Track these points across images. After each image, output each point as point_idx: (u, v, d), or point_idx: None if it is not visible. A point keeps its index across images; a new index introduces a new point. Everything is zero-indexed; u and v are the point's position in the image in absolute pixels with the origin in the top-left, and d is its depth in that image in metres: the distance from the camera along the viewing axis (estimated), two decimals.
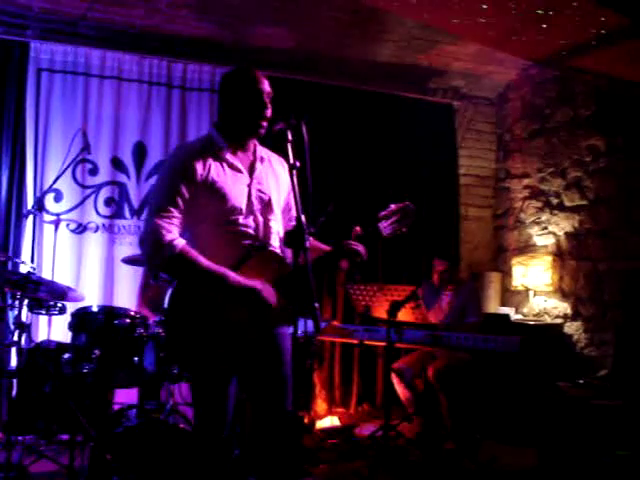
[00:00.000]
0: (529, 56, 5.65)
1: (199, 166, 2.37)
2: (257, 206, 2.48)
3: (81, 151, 4.73)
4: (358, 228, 2.60)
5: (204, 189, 2.37)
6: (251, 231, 2.46)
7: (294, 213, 2.69)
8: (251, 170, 2.50)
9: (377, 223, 2.63)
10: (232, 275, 2.33)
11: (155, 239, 2.29)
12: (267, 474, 2.51)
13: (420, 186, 5.94)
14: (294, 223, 2.67)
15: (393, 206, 2.66)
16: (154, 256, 2.31)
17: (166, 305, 2.45)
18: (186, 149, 2.51)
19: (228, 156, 2.46)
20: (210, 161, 2.40)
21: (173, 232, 2.32)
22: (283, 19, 5.02)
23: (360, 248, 2.55)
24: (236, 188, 2.44)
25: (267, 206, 2.51)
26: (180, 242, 2.31)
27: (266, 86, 2.48)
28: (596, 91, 5.33)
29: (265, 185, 2.52)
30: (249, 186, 2.48)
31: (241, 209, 2.43)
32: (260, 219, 2.49)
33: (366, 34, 5.26)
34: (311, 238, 2.72)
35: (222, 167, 2.43)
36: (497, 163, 6.49)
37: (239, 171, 2.47)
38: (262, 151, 2.58)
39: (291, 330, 2.33)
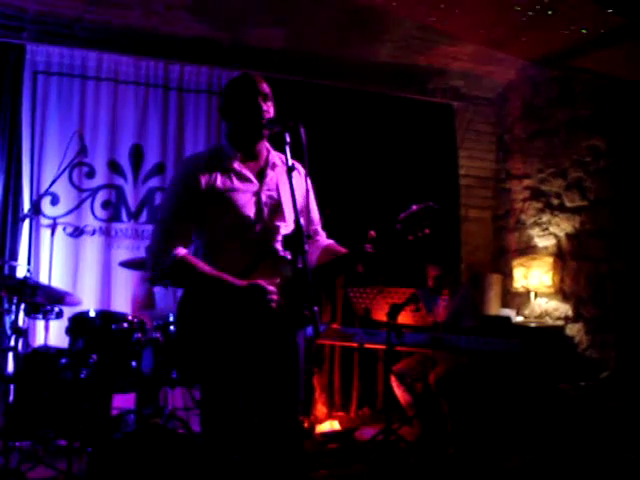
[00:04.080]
0: (529, 56, 5.64)
1: (204, 179, 2.41)
2: (267, 213, 2.48)
3: (78, 154, 4.71)
4: (373, 232, 2.54)
5: (210, 200, 2.41)
6: (260, 238, 2.46)
7: (314, 215, 2.73)
8: (261, 177, 2.51)
9: (398, 225, 2.54)
10: (232, 279, 2.35)
11: (157, 249, 2.39)
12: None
13: (419, 187, 5.91)
14: (315, 227, 2.72)
15: (415, 207, 2.57)
16: (156, 265, 2.40)
17: (174, 313, 2.49)
18: (192, 162, 2.52)
19: (236, 165, 2.47)
20: (216, 172, 2.44)
21: (175, 243, 2.39)
22: (281, 20, 5.00)
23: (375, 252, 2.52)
24: (244, 196, 2.45)
25: (277, 212, 2.51)
26: (181, 251, 2.39)
27: (262, 88, 2.48)
28: (596, 91, 5.31)
29: (276, 191, 2.52)
30: (258, 193, 2.48)
31: (249, 217, 2.44)
32: (270, 225, 2.49)
33: (365, 35, 5.25)
34: (332, 242, 2.73)
35: (229, 177, 2.45)
36: (497, 164, 6.46)
37: (248, 179, 2.48)
38: (276, 157, 2.57)
39: (306, 333, 2.34)
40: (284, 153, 2.32)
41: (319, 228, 2.77)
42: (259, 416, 2.50)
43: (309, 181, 2.64)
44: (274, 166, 2.55)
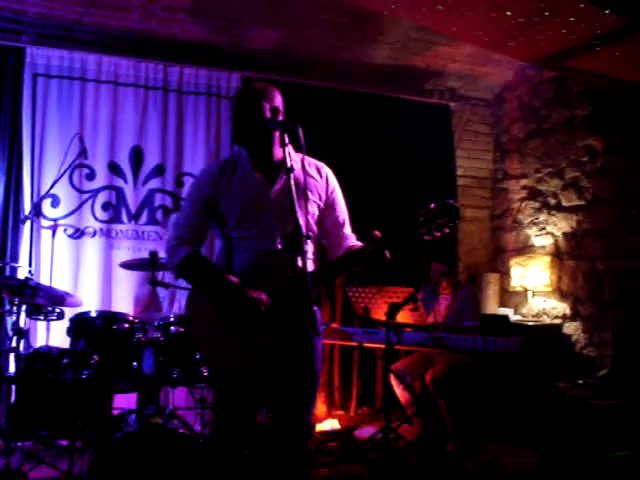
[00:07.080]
0: (525, 57, 5.65)
1: (215, 185, 2.52)
2: (279, 213, 2.49)
3: (78, 156, 4.74)
4: (377, 232, 2.44)
5: (222, 204, 2.51)
6: (271, 240, 2.48)
7: (340, 217, 2.67)
8: (274, 179, 2.53)
9: (414, 225, 2.39)
10: (235, 283, 2.41)
11: (171, 246, 2.55)
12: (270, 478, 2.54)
13: (417, 187, 5.94)
14: (341, 231, 2.66)
15: (433, 205, 2.37)
16: (170, 262, 2.58)
17: (184, 309, 2.70)
18: (208, 168, 2.65)
19: (248, 169, 2.53)
20: (229, 177, 2.53)
21: (187, 242, 2.53)
22: (279, 22, 5.02)
23: (385, 253, 2.46)
24: (255, 199, 2.50)
25: (289, 212, 2.45)
26: (191, 249, 2.53)
27: (268, 96, 2.52)
28: (592, 91, 5.33)
29: (288, 193, 2.45)
30: (270, 195, 2.50)
31: (260, 217, 2.49)
32: (281, 226, 2.49)
33: (362, 36, 5.27)
34: (354, 236, 2.68)
35: (242, 181, 2.52)
36: (494, 164, 6.50)
37: (260, 182, 2.51)
38: (294, 160, 2.50)
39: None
40: (297, 152, 2.41)
41: (346, 231, 2.68)
42: (273, 413, 2.54)
43: (335, 182, 2.64)
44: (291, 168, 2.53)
